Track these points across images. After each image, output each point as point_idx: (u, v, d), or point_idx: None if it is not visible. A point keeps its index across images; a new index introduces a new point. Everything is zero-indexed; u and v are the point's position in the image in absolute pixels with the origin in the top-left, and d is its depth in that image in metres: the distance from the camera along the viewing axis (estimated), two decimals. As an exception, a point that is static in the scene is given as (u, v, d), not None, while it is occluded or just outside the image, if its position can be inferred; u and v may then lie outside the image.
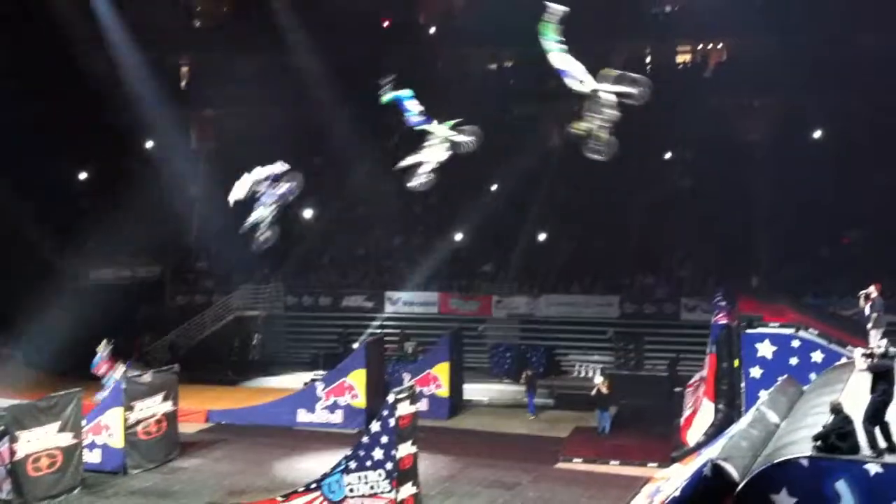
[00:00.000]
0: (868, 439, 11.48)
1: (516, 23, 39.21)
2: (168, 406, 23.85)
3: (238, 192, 20.28)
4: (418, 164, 17.63)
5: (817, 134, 40.35)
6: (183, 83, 49.00)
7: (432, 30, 44.31)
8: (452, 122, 17.57)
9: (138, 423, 22.83)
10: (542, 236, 37.09)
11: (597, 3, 41.89)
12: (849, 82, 36.71)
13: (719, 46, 43.40)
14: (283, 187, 20.08)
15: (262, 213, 20.04)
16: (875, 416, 11.61)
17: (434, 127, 17.50)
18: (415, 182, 17.82)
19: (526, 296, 34.63)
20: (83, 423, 21.58)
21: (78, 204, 41.04)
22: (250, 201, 20.02)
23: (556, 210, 38.72)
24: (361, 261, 38.34)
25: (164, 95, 45.75)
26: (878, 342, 15.77)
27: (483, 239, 37.75)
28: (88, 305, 31.17)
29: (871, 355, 13.03)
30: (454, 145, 17.53)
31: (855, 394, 13.25)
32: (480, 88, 43.19)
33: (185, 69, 49.25)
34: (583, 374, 32.84)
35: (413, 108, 17.51)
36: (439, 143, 17.59)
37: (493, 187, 39.36)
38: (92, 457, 22.13)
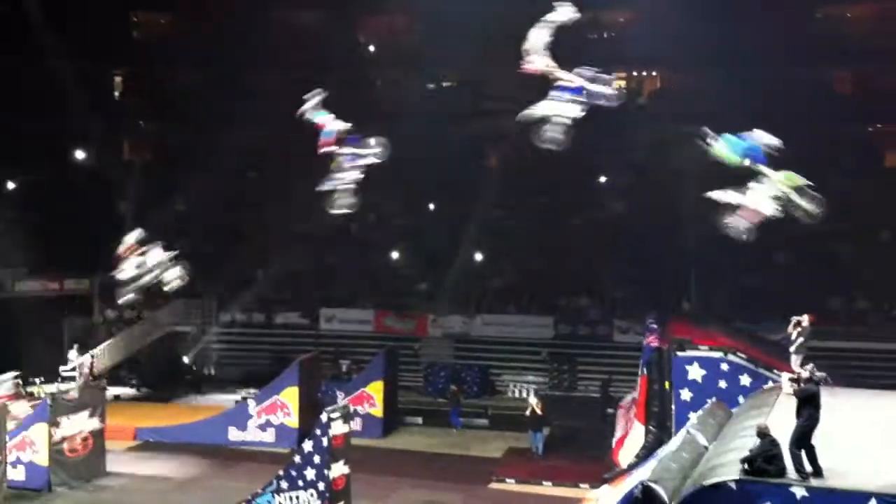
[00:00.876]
0: (794, 463, 11.76)
1: (456, 44, 40.20)
2: (95, 423, 23.35)
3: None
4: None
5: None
6: (117, 94, 48.28)
7: (371, 48, 44.41)
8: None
9: (64, 439, 22.31)
10: (478, 256, 37.26)
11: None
12: (781, 111, 37.83)
13: (654, 74, 44.35)
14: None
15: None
16: (801, 440, 11.90)
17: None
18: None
19: (461, 315, 34.71)
20: (6, 439, 21.00)
21: (4, 213, 40.03)
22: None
23: (491, 230, 38.97)
24: (296, 277, 38.04)
25: (97, 106, 45.13)
26: (801, 367, 16.18)
27: (419, 258, 37.81)
28: (13, 317, 30.42)
29: (797, 380, 13.37)
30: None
31: (782, 417, 13.56)
32: (419, 108, 43.49)
33: (118, 80, 48.53)
34: (517, 395, 33.01)
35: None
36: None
37: (430, 206, 39.47)
38: (16, 474, 21.60)
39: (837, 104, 40.83)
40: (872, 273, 33.75)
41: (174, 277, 19.50)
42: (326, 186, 16.24)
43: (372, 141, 16.24)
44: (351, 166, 16.10)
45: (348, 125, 16.40)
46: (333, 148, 16.16)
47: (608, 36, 43.29)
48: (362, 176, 16.16)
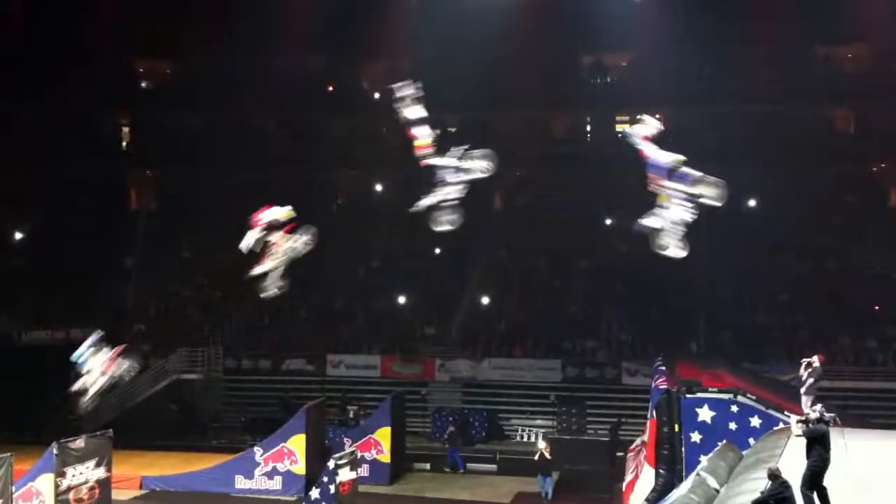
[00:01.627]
0: None
1: (459, 88, 40.61)
2: (101, 472, 23.17)
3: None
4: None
5: (752, 203, 41.69)
6: (124, 142, 48.72)
7: (376, 95, 44.79)
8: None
9: (70, 489, 22.13)
10: (484, 300, 37.23)
11: (538, 74, 43.28)
12: (781, 152, 38.20)
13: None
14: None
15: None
16: (812, 480, 11.80)
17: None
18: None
19: (469, 359, 34.60)
20: (13, 489, 20.85)
21: (12, 263, 40.29)
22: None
23: (498, 274, 39.02)
24: (303, 323, 38.01)
25: (104, 153, 45.57)
26: (811, 408, 16.07)
27: (425, 302, 37.79)
28: (21, 368, 30.43)
29: (806, 421, 13.27)
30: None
31: (793, 459, 13.43)
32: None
33: (126, 129, 49.00)
34: (525, 439, 32.77)
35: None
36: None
37: (437, 251, 39.59)
38: (22, 524, 21.38)
39: (842, 142, 41.13)
40: (881, 311, 33.67)
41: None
42: (426, 201, 14.75)
43: (477, 154, 14.70)
44: (454, 180, 14.65)
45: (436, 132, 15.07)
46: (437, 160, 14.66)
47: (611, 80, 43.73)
48: (463, 191, 14.78)
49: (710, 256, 37.71)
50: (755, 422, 19.59)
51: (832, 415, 13.07)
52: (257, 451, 27.46)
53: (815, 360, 18.14)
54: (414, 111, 14.87)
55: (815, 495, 11.69)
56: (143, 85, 47.50)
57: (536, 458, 26.05)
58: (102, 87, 43.21)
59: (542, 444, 26.32)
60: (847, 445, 12.95)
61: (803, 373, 18.20)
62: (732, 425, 19.71)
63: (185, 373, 35.14)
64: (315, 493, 18.56)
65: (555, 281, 37.96)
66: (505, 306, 36.91)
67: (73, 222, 43.43)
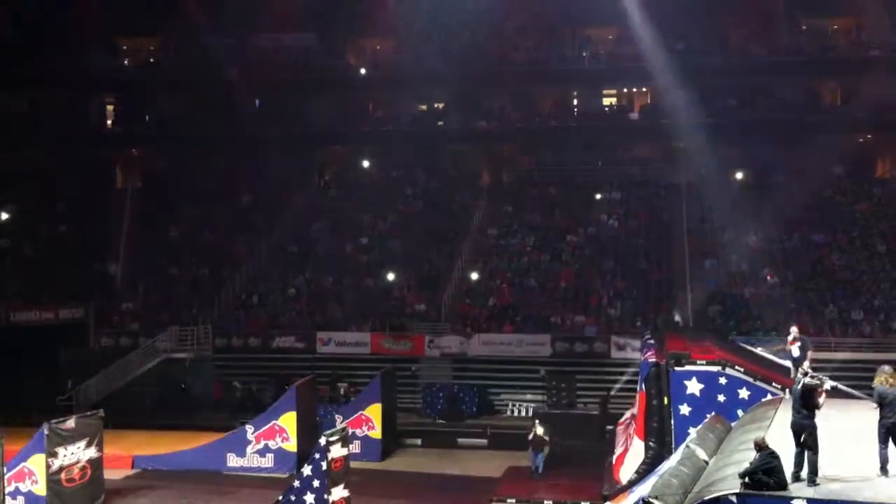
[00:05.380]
0: (811, 467, 11.85)
1: (445, 65, 40.48)
2: (92, 452, 23.21)
3: None
4: None
5: (739, 175, 41.84)
6: (109, 122, 48.46)
7: (362, 71, 44.65)
8: None
9: (61, 469, 22.16)
10: (473, 276, 37.24)
11: (525, 48, 43.25)
12: (770, 127, 38.38)
13: (643, 90, 44.65)
14: None
15: None
16: (814, 444, 12.03)
17: None
18: None
19: (458, 335, 34.64)
20: (5, 470, 20.87)
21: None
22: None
23: (486, 250, 39.05)
24: (292, 301, 37.96)
25: (89, 134, 45.33)
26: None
27: (415, 278, 37.80)
28: (9, 348, 30.35)
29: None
30: None
31: (781, 430, 13.54)
32: (411, 130, 43.71)
33: (110, 108, 48.74)
34: (516, 414, 32.91)
35: None
36: None
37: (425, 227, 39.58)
38: (14, 504, 21.43)
39: (827, 115, 41.28)
40: (866, 284, 33.86)
41: None
42: None
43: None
44: None
45: None
46: None
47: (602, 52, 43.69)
48: None
49: (696, 228, 38.11)
50: (743, 393, 19.76)
51: (834, 383, 13.20)
52: (249, 428, 27.50)
53: (794, 331, 18.37)
54: None
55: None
56: (127, 63, 47.18)
57: (530, 437, 26.14)
58: (87, 67, 42.98)
59: (540, 430, 26.22)
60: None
61: (790, 346, 18.38)
62: (721, 397, 19.87)
63: (174, 352, 35.08)
64: (307, 470, 18.63)
65: (544, 256, 37.97)
66: (494, 282, 36.93)
67: (59, 202, 43.33)
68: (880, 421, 12.18)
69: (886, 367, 12.50)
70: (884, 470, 12.10)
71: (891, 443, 12.15)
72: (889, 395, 12.09)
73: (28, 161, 42.78)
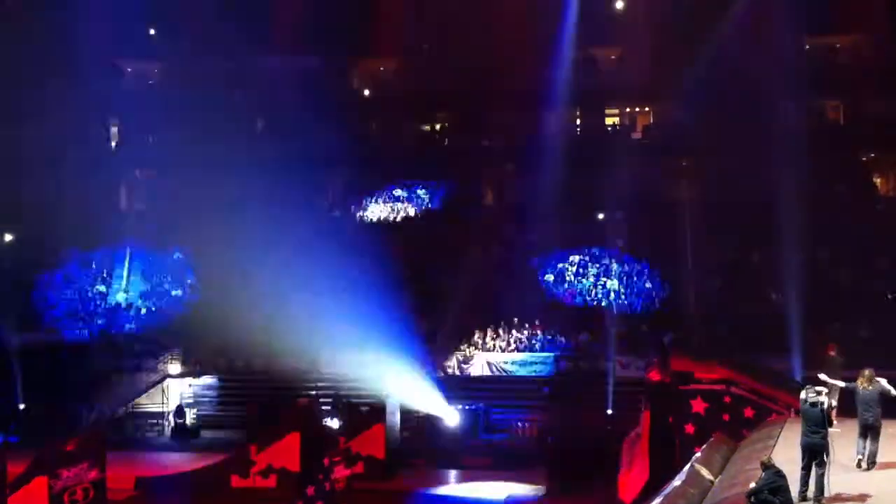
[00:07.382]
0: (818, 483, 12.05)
1: (448, 86, 40.55)
2: (95, 473, 23.12)
3: None
4: None
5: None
6: (113, 144, 48.60)
7: (366, 93, 44.83)
8: None
9: (64, 490, 22.07)
10: (478, 294, 37.16)
11: (529, 69, 43.32)
12: (770, 142, 38.33)
13: (646, 110, 44.76)
14: None
15: None
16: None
17: None
18: None
19: (462, 353, 34.55)
20: (7, 491, 20.79)
21: (2, 265, 40.19)
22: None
23: (491, 267, 39.03)
24: (298, 321, 37.81)
25: (94, 156, 45.43)
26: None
27: (420, 297, 37.73)
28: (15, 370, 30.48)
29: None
30: None
31: (787, 449, 13.49)
32: (414, 150, 43.79)
33: (115, 129, 48.89)
34: (521, 433, 32.78)
35: None
36: None
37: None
38: (16, 527, 21.29)
39: (830, 133, 41.25)
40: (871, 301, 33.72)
41: None
42: None
43: None
44: None
45: None
46: None
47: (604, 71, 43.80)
48: None
49: (700, 248, 38.04)
50: (748, 412, 19.68)
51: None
52: (252, 449, 27.39)
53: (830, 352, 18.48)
54: None
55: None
56: (131, 86, 47.39)
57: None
58: (91, 88, 43.07)
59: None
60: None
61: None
62: (726, 416, 19.79)
63: (178, 374, 35.04)
64: (311, 490, 18.55)
65: (547, 275, 37.98)
66: (499, 300, 36.85)
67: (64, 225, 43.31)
68: (858, 418, 13.38)
69: (867, 371, 13.68)
70: (861, 461, 13.32)
71: (869, 438, 13.21)
72: (861, 395, 13.30)
73: (32, 182, 42.81)
